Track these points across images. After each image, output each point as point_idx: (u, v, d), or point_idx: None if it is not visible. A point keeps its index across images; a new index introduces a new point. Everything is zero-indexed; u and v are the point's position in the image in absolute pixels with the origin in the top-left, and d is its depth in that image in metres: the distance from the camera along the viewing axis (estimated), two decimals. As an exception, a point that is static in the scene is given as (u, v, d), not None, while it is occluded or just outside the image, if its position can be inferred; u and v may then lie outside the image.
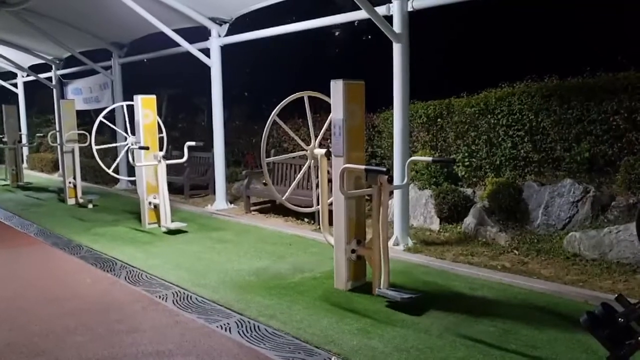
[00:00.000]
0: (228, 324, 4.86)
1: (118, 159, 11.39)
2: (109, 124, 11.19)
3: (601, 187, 7.02)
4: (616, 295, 2.90)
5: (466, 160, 8.43)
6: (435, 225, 8.10)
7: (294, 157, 10.06)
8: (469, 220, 7.60)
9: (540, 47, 11.62)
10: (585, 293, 5.33)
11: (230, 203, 10.82)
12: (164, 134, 10.10)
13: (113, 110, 11.50)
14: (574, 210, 6.92)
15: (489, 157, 8.21)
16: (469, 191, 8.17)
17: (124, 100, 12.61)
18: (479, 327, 4.66)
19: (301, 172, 6.91)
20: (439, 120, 8.87)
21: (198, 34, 10.74)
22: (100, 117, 10.19)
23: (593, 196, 6.85)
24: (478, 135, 8.31)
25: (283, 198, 6.64)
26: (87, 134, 11.38)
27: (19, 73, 19.95)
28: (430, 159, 6.45)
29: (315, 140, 6.33)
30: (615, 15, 10.14)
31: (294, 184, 7.01)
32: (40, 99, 21.88)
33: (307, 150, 6.36)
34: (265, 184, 9.14)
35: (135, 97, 9.11)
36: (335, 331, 4.63)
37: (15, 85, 20.61)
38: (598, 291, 5.37)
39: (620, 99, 6.91)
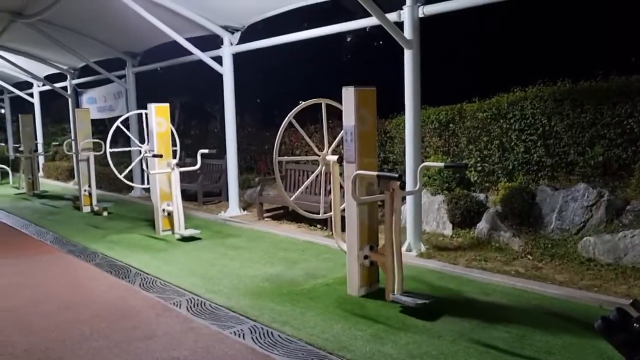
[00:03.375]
0: (241, 330, 4.89)
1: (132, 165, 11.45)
2: (125, 129, 11.28)
3: (615, 191, 6.96)
4: (631, 301, 2.88)
5: (478, 165, 8.41)
6: (448, 230, 8.08)
7: (306, 163, 10.14)
8: (482, 226, 7.56)
9: (552, 50, 11.56)
10: (600, 298, 5.28)
11: (244, 210, 10.86)
12: (177, 141, 10.18)
13: (127, 118, 11.60)
14: (588, 215, 6.87)
15: (502, 162, 8.18)
16: (481, 196, 8.14)
17: (138, 108, 12.76)
18: (492, 332, 4.64)
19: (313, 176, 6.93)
20: (450, 125, 8.86)
21: (210, 42, 10.84)
22: (115, 125, 10.31)
23: (607, 200, 6.79)
24: (490, 140, 8.28)
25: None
26: (101, 142, 11.51)
27: (35, 83, 20.24)
28: (442, 164, 6.44)
29: (329, 146, 6.36)
30: (628, 17, 10.07)
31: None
32: (56, 108, 22.18)
33: (320, 156, 6.40)
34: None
35: (148, 105, 9.20)
36: (348, 337, 4.64)
37: (31, 94, 20.91)
38: (613, 296, 5.32)
39: (634, 102, 6.86)
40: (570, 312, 5.07)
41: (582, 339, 4.42)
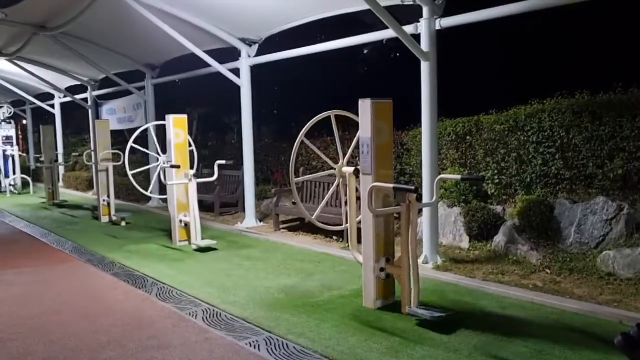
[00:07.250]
0: (257, 341, 4.89)
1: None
2: (152, 134, 11.33)
3: (635, 204, 6.87)
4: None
5: (495, 177, 8.35)
6: (465, 243, 8.02)
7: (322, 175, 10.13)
8: (499, 238, 7.50)
9: (571, 62, 11.48)
10: (620, 313, 5.20)
11: (260, 220, 10.89)
12: (195, 155, 10.25)
13: (145, 129, 11.73)
14: (608, 228, 6.78)
15: (519, 174, 8.11)
16: (498, 209, 8.07)
17: (157, 119, 12.89)
18: (509, 347, 4.59)
19: (330, 190, 6.94)
20: (467, 137, 8.83)
21: (228, 54, 10.95)
22: (141, 129, 10.43)
23: (627, 214, 6.70)
24: (507, 152, 8.23)
25: (313, 217, 6.67)
26: (120, 153, 11.64)
27: (56, 94, 20.58)
28: (458, 176, 6.41)
29: (344, 158, 6.37)
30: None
31: (322, 203, 7.03)
32: (76, 119, 22.49)
33: (335, 169, 6.41)
34: (294, 203, 9.20)
35: (166, 116, 9.31)
36: (363, 349, 4.62)
37: (52, 105, 21.25)
38: (633, 311, 5.23)
39: (654, 115, 6.78)
40: (590, 327, 4.99)
41: (601, 355, 4.35)
